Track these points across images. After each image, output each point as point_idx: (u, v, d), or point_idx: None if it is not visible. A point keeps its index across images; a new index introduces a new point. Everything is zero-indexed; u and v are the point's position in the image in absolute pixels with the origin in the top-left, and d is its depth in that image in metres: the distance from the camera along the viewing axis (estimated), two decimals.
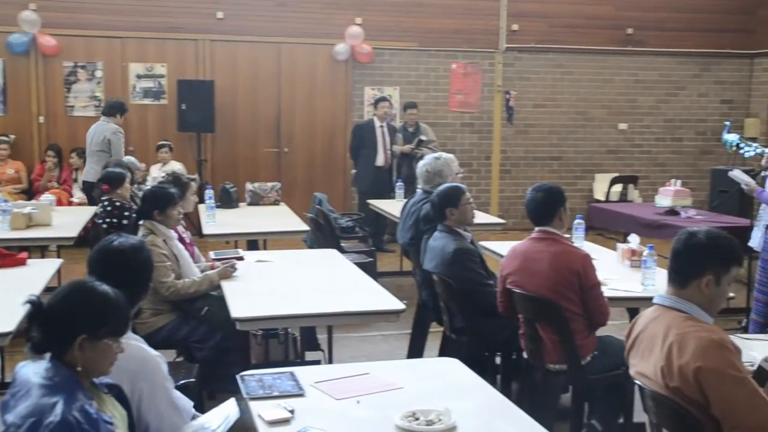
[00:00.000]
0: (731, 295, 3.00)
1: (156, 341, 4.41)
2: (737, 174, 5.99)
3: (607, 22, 11.12)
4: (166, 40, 10.02)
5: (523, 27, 10.92)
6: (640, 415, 2.93)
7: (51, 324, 2.15)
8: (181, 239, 4.86)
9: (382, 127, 9.31)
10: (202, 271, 4.68)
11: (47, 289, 4.22)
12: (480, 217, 6.59)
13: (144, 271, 2.82)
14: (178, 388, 3.21)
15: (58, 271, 5.04)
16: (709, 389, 2.43)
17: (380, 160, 9.27)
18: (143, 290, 2.83)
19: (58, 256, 6.60)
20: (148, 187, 5.22)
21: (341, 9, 10.39)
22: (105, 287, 2.25)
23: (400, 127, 9.69)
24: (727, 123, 8.18)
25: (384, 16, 10.50)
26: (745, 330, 5.86)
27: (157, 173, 8.99)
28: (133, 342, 2.54)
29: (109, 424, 2.15)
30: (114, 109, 8.34)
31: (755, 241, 5.76)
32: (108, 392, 2.31)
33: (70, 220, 6.60)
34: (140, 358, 2.55)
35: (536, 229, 4.05)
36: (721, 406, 2.43)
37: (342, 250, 6.19)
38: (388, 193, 8.95)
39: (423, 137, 9.35)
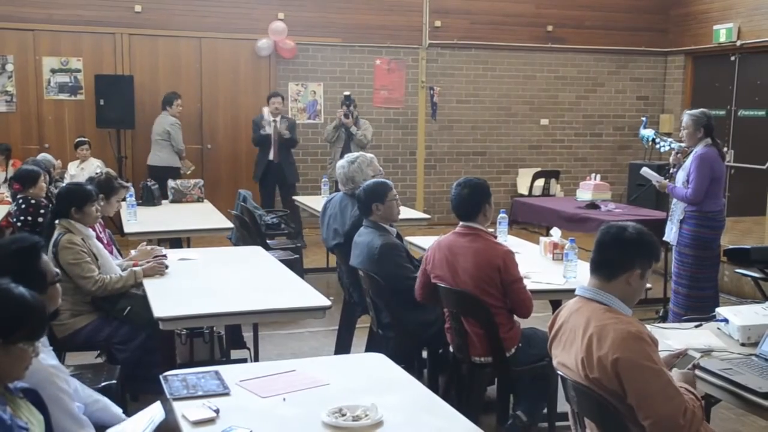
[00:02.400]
0: (648, 286, 3.09)
1: (76, 343, 4.31)
2: (648, 172, 6.18)
3: (527, 20, 11.32)
4: (82, 33, 9.73)
5: (446, 23, 11.01)
6: (563, 405, 2.99)
7: None
8: (99, 238, 4.73)
9: (275, 121, 9.25)
10: (123, 269, 4.57)
11: None
12: (405, 213, 6.62)
13: (40, 271, 2.64)
14: (100, 390, 3.13)
15: None
16: (626, 380, 2.49)
17: (271, 154, 9.33)
18: (41, 290, 2.55)
19: None
20: (64, 185, 5.06)
21: (263, 4, 10.28)
22: (21, 289, 2.14)
23: (336, 123, 9.45)
24: (644, 119, 8.45)
25: (307, 11, 10.44)
26: (662, 319, 6.05)
27: (75, 171, 8.75)
28: None
29: (25, 430, 2.06)
30: (166, 101, 9.35)
31: (669, 235, 5.94)
32: (23, 397, 2.22)
33: None
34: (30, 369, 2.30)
35: (460, 224, 4.08)
36: (636, 396, 2.49)
37: (267, 247, 6.13)
38: (274, 186, 9.27)
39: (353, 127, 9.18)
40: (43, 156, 7.48)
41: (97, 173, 5.87)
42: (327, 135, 9.28)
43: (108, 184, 5.09)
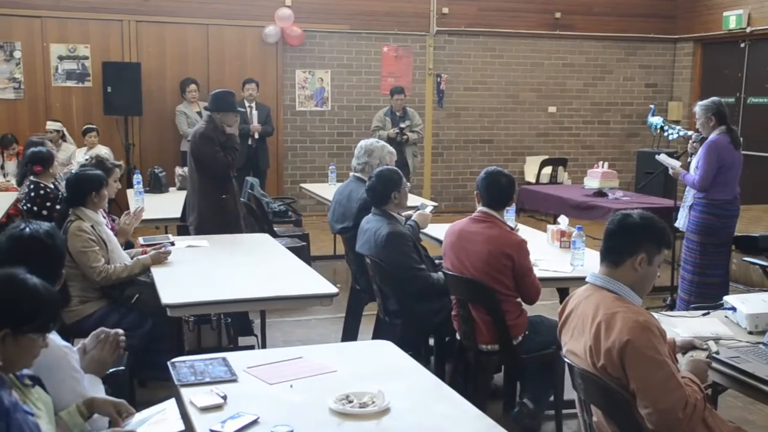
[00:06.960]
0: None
1: (84, 329, 4.30)
2: (664, 158, 6.16)
3: (535, 6, 11.25)
4: (89, 20, 9.72)
5: (454, 10, 10.95)
6: (570, 393, 2.99)
7: None
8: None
9: (251, 107, 9.38)
10: (132, 257, 4.58)
11: None
12: (413, 201, 6.61)
13: (55, 259, 2.65)
14: (108, 376, 3.13)
15: None
16: (629, 366, 2.50)
17: (249, 140, 9.35)
18: (55, 279, 2.59)
19: None
20: (73, 172, 5.06)
21: None
22: (35, 280, 2.12)
23: (387, 111, 9.35)
24: (652, 106, 8.40)
25: None
26: (670, 307, 6.05)
27: (82, 158, 8.75)
28: None
29: (31, 415, 2.07)
30: (181, 89, 9.72)
31: (680, 222, 5.94)
32: (30, 384, 2.21)
33: None
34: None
35: (479, 209, 4.07)
36: (636, 384, 2.50)
37: (275, 235, 6.14)
38: (249, 172, 9.05)
39: (402, 125, 9.11)
40: (38, 137, 7.39)
41: (86, 159, 5.89)
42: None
43: (103, 166, 5.10)
